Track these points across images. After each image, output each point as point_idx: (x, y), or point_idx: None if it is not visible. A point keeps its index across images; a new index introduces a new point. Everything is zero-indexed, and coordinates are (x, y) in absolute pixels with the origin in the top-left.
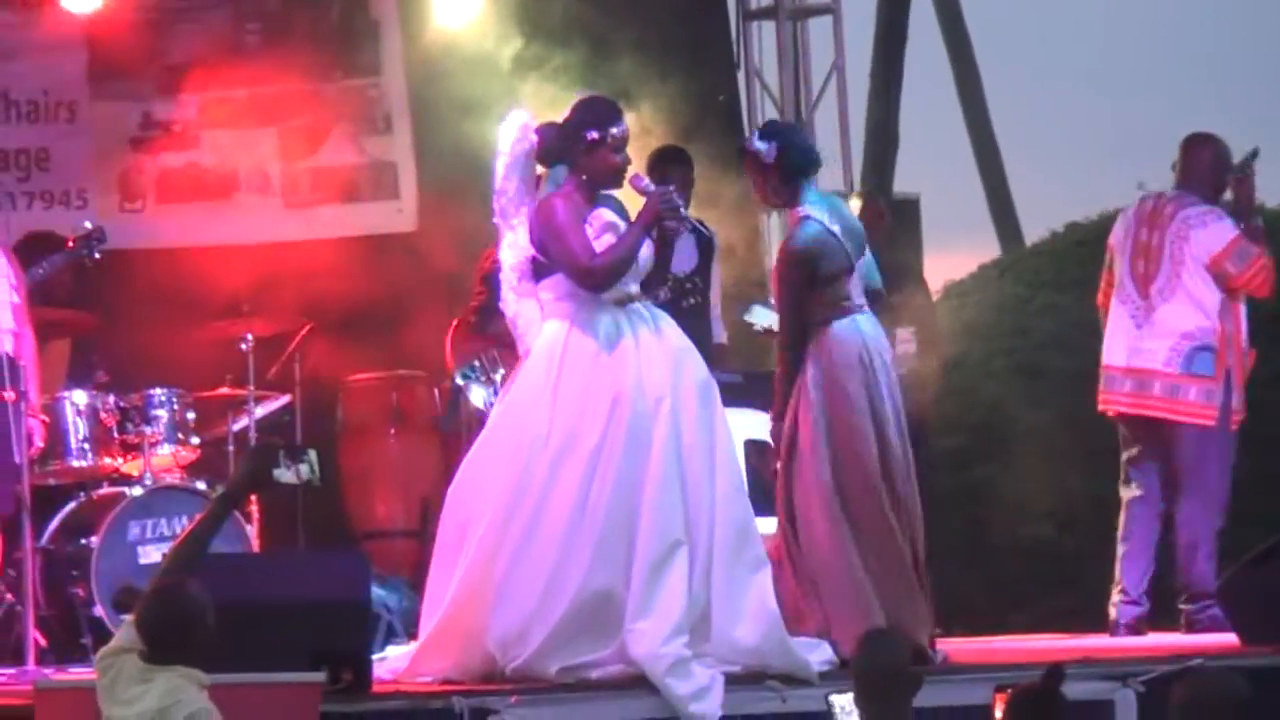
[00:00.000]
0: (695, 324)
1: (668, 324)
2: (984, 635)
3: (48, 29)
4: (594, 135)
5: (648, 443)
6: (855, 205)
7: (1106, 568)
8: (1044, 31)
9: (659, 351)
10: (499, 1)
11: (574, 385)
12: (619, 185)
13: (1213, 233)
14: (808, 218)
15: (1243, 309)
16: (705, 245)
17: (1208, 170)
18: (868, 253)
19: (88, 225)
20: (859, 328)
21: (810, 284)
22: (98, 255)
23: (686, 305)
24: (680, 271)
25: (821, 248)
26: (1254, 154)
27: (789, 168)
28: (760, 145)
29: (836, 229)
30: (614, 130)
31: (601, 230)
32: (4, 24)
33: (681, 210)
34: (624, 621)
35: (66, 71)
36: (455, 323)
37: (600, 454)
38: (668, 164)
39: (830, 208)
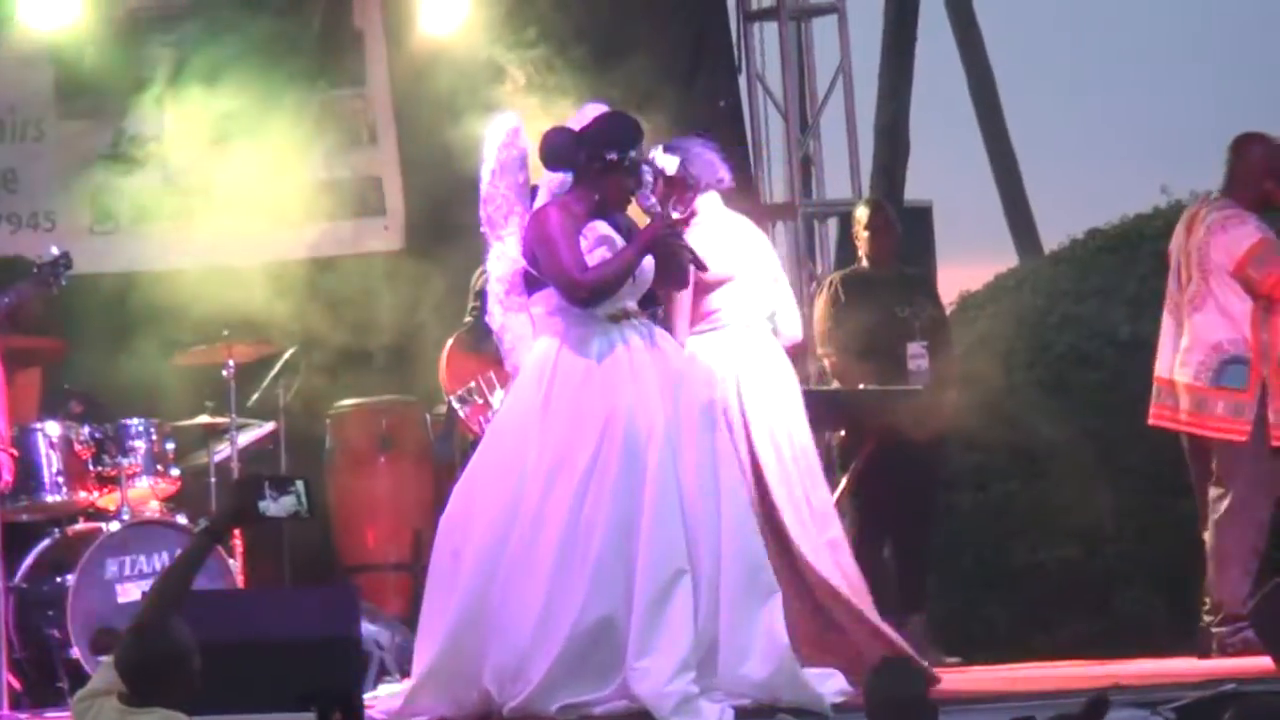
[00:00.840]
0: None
1: (667, 342)
2: (1007, 662)
3: (12, 45)
4: (613, 156)
5: (642, 466)
6: (862, 213)
7: (1136, 590)
8: (1060, 30)
9: (655, 371)
10: (486, 7)
11: (564, 405)
12: (625, 209)
13: (1234, 238)
14: None
15: None
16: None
17: (1251, 172)
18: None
19: (54, 250)
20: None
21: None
22: (64, 281)
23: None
24: None
25: None
26: None
27: (693, 180)
28: (665, 159)
29: None
30: (633, 154)
31: (596, 243)
32: None
33: (685, 240)
34: (626, 655)
35: (33, 89)
36: (450, 343)
37: (592, 476)
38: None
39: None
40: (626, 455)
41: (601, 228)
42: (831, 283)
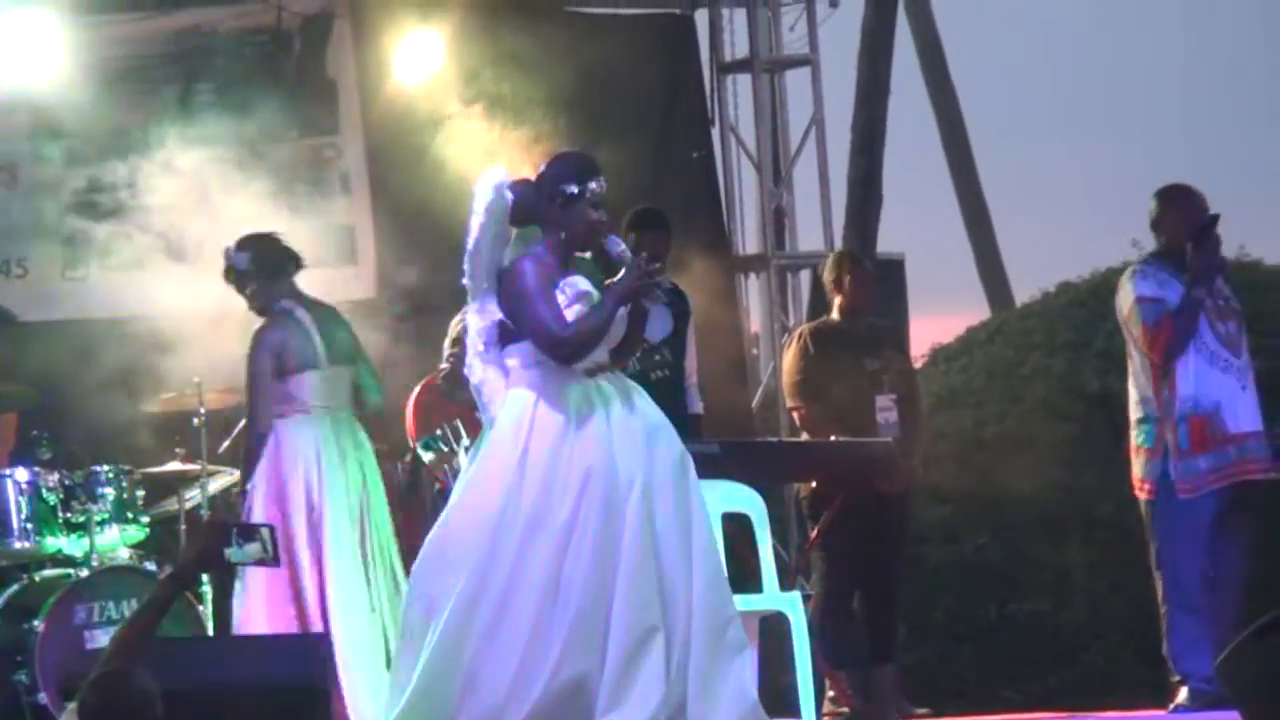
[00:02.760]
0: (665, 396)
1: (640, 396)
2: (976, 714)
3: None
4: (572, 190)
5: (620, 523)
6: (836, 265)
7: (1105, 642)
8: (1033, 85)
9: (631, 426)
10: (460, 59)
11: (542, 459)
12: (594, 245)
13: (1123, 295)
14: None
15: (1185, 365)
16: (680, 313)
17: (1171, 228)
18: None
19: None
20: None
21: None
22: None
23: (655, 377)
24: (650, 339)
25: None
26: (1213, 221)
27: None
28: (237, 256)
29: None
30: (592, 185)
31: (574, 299)
32: None
33: (659, 283)
34: (596, 711)
35: (7, 133)
36: (417, 390)
37: (572, 531)
38: (643, 228)
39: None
40: (606, 513)
41: (580, 283)
42: (801, 334)
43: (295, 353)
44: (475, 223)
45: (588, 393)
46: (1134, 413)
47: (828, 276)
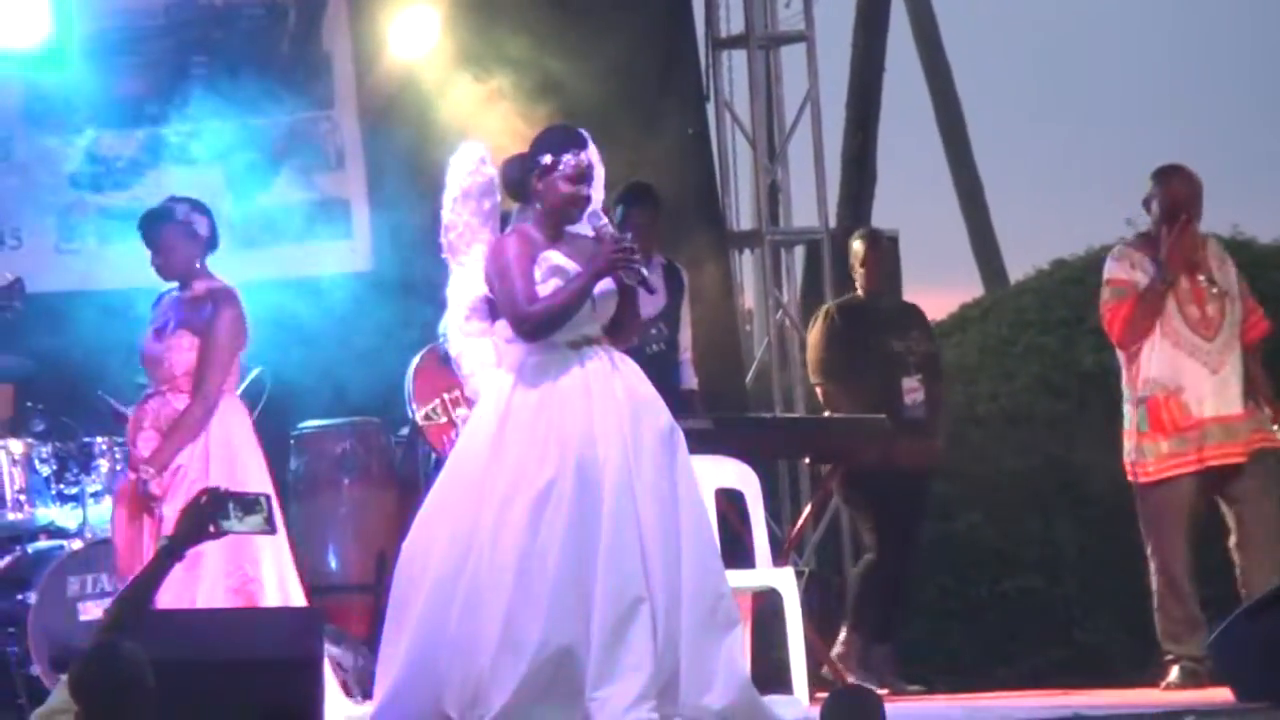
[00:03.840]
0: (661, 370)
1: (629, 369)
2: (969, 692)
3: None
4: (546, 160)
5: (598, 494)
6: (859, 244)
7: (1097, 620)
8: (1029, 62)
9: (614, 399)
10: (457, 32)
11: (519, 433)
12: (576, 218)
13: (1104, 272)
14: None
15: (1151, 345)
16: (676, 288)
17: (1157, 208)
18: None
19: (8, 276)
20: None
21: None
22: (19, 305)
23: (651, 351)
24: (645, 315)
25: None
26: (1184, 221)
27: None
28: (196, 217)
29: None
30: (567, 156)
31: (548, 274)
32: None
33: (635, 259)
34: (585, 685)
35: (1, 107)
36: (419, 359)
37: (547, 501)
38: (631, 202)
39: None
40: (581, 482)
41: (554, 257)
42: (828, 312)
43: (246, 329)
44: (448, 196)
45: (569, 366)
46: (1128, 394)
47: (853, 255)
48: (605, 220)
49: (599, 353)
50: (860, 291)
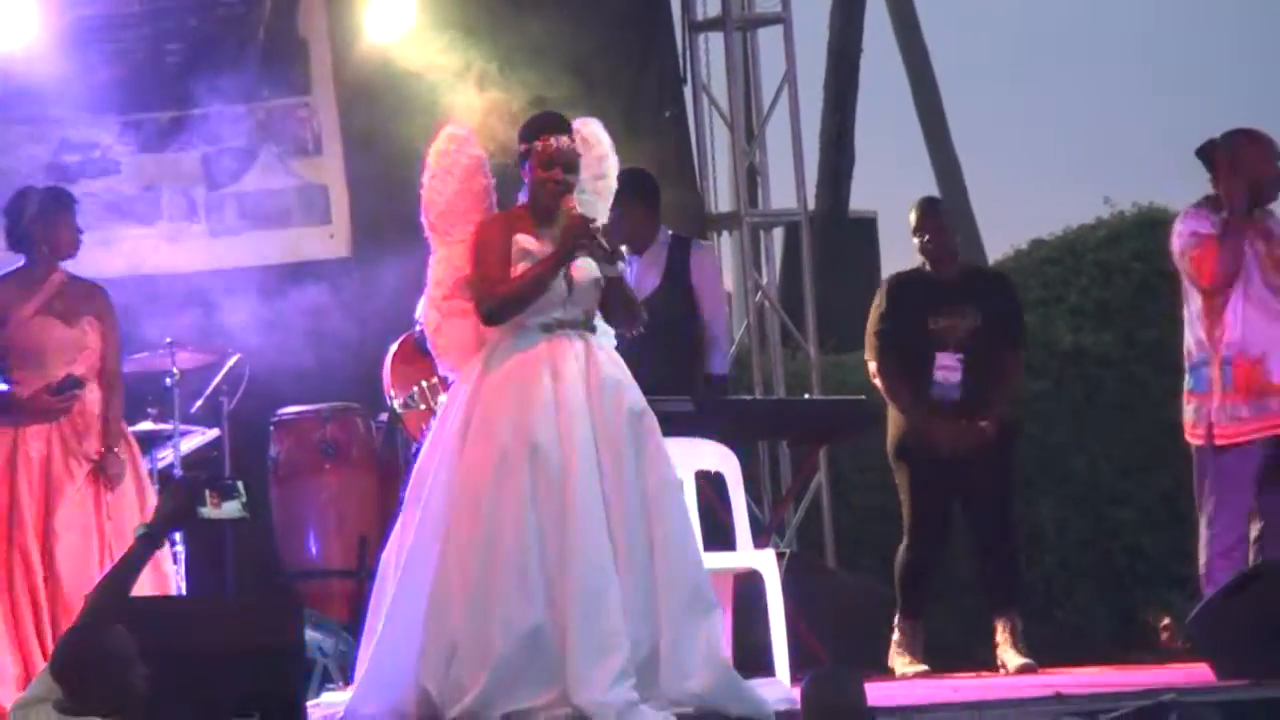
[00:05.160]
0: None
1: (603, 353)
2: (948, 673)
3: None
4: (523, 147)
5: (558, 476)
6: (912, 215)
7: (1076, 599)
8: (1004, 43)
9: (582, 383)
10: (433, 16)
11: (483, 420)
12: (553, 203)
13: (1177, 231)
14: None
15: (1235, 309)
16: (678, 260)
17: (1221, 172)
18: None
19: None
20: None
21: None
22: None
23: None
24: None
25: None
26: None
27: None
28: None
29: None
30: (538, 143)
31: (518, 257)
32: None
33: (598, 238)
34: (563, 665)
35: None
36: (395, 346)
37: (503, 484)
38: (626, 188)
39: None
40: (537, 464)
41: (524, 241)
42: (886, 284)
43: None
44: (426, 175)
45: (537, 349)
46: (1189, 359)
47: (912, 225)
48: (575, 204)
49: (571, 336)
50: (926, 265)
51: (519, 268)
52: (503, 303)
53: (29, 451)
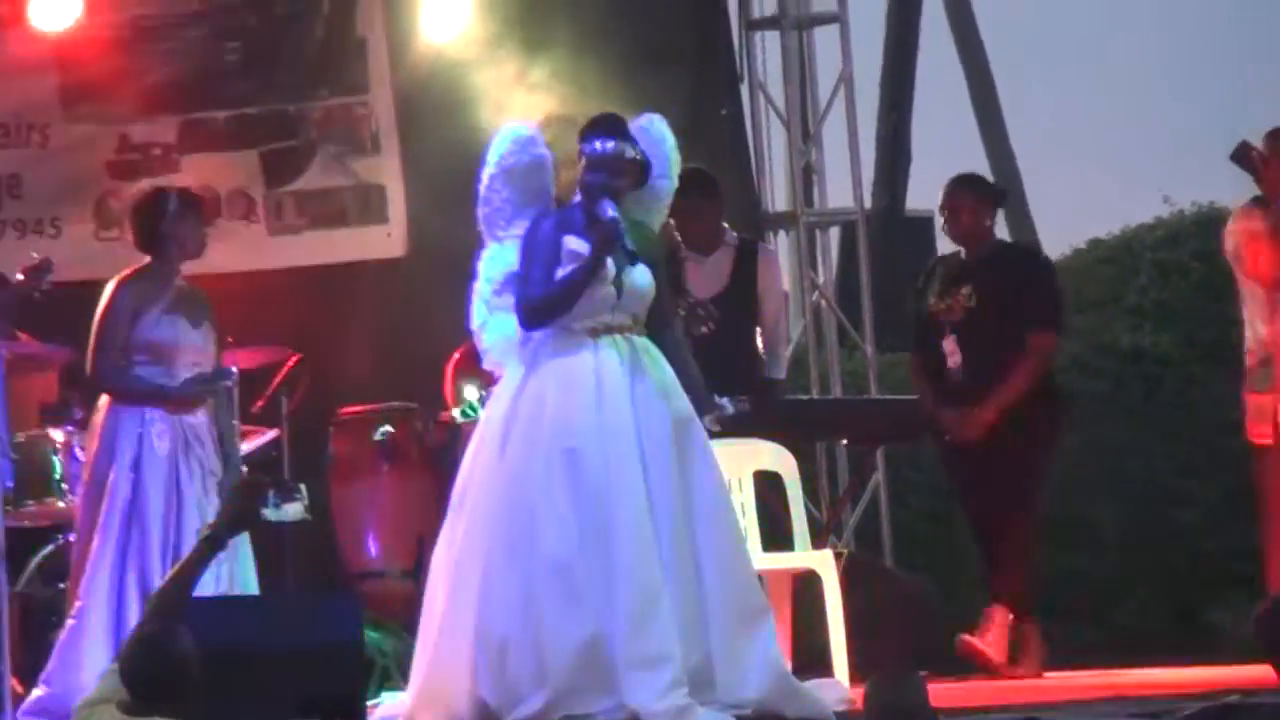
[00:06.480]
0: (712, 353)
1: (650, 358)
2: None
3: (16, 48)
4: (582, 148)
5: (603, 487)
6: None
7: (1137, 599)
8: (1062, 41)
9: (627, 388)
10: (489, 14)
11: (525, 424)
12: (593, 205)
13: (1229, 231)
14: None
15: None
16: (745, 264)
17: (1267, 171)
18: None
19: (34, 256)
20: None
21: None
22: (45, 287)
23: (698, 333)
24: (693, 295)
25: None
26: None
27: None
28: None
29: None
30: (586, 146)
31: (567, 259)
32: None
33: (619, 242)
34: (617, 675)
35: (37, 93)
36: (456, 355)
37: (545, 490)
38: (688, 187)
39: None
40: (577, 472)
41: (573, 242)
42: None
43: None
44: (486, 173)
45: (583, 353)
46: (1250, 358)
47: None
48: (610, 207)
49: (618, 341)
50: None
51: (566, 269)
52: (542, 306)
53: (155, 446)
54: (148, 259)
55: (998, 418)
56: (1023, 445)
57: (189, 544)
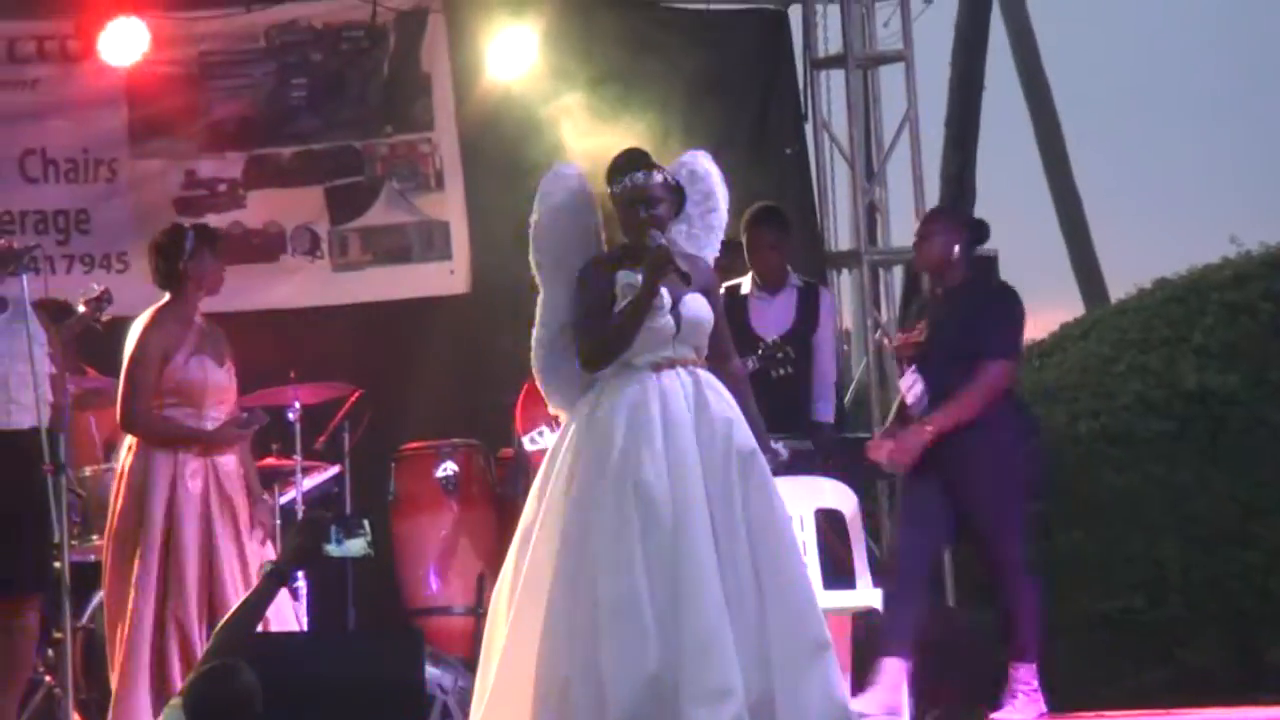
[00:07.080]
0: (785, 395)
1: (712, 392)
2: (1070, 712)
3: (86, 84)
4: (614, 190)
5: (669, 520)
6: None
7: (1201, 640)
8: (1129, 80)
9: (691, 422)
10: (554, 53)
11: (589, 462)
12: (640, 241)
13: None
14: None
15: None
16: (809, 311)
17: None
18: None
19: (95, 287)
20: None
21: None
22: (105, 317)
23: (775, 376)
24: (766, 335)
25: None
26: None
27: None
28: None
29: None
30: (623, 181)
31: (623, 294)
32: (42, 78)
33: (673, 265)
34: (681, 706)
35: (106, 129)
36: (526, 387)
37: (611, 527)
38: (759, 225)
39: None
40: (646, 501)
41: (626, 276)
42: None
43: None
44: (532, 218)
45: (646, 388)
46: None
47: None
48: (660, 237)
49: (681, 374)
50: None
51: (623, 303)
52: (599, 346)
53: (188, 486)
54: (167, 297)
55: (935, 442)
56: (989, 473)
57: (224, 582)
